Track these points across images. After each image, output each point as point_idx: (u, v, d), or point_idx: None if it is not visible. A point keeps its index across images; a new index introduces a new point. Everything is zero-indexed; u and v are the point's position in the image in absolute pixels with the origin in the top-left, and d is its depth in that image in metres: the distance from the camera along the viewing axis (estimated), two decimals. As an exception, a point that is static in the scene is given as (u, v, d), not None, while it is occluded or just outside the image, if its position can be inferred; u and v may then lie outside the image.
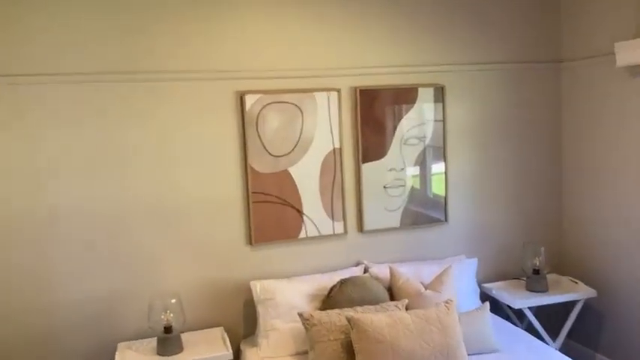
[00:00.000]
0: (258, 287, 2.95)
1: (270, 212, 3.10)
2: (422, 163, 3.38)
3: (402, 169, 3.33)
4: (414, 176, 3.38)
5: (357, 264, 3.26)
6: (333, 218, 3.22)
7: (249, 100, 3.01)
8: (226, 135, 3.00)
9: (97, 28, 2.76)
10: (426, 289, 2.95)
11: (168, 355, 2.68)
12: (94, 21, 2.75)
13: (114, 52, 2.79)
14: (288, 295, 2.91)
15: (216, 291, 3.05)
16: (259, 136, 3.05)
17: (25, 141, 2.72)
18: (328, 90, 3.15)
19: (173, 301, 2.78)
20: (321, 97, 3.14)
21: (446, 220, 3.45)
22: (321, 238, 3.22)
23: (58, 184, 2.77)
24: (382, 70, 3.24)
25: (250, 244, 3.08)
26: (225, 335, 2.88)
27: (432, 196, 3.45)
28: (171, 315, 2.73)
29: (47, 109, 2.73)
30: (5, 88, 2.67)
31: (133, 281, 2.92)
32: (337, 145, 3.20)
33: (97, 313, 2.87)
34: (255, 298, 2.94)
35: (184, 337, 2.81)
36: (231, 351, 2.73)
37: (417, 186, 3.41)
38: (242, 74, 2.99)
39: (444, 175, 3.42)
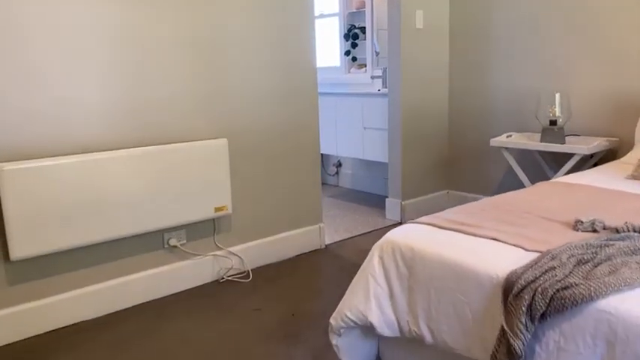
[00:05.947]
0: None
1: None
2: None
3: None
4: None
5: None
6: None
7: None
8: None
9: None
10: None
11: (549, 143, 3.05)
12: None
13: None
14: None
15: (616, 102, 3.08)
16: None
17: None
18: None
19: (557, 95, 3.05)
20: None
21: None
22: None
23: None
24: None
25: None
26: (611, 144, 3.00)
27: None
28: (556, 109, 3.05)
29: None
30: None
31: (534, 78, 3.40)
32: None
33: (516, 100, 3.53)
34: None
35: (572, 139, 3.08)
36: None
37: None
38: None
39: None
